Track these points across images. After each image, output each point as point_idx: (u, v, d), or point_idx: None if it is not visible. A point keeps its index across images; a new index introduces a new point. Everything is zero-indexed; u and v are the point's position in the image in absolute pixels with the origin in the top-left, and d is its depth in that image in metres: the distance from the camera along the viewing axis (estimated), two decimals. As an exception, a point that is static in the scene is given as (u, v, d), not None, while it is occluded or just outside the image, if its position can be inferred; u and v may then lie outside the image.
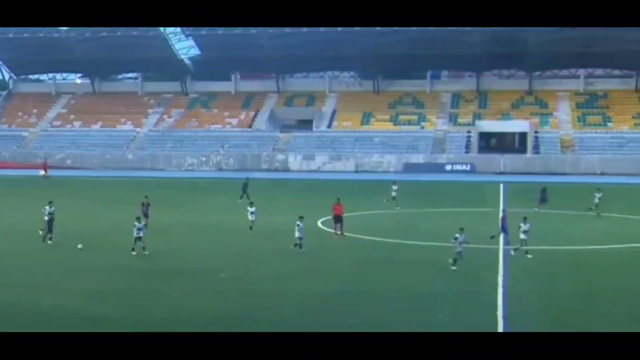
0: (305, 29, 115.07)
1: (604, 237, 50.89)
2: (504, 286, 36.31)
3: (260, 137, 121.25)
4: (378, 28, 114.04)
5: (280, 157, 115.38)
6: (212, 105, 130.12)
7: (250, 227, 51.36)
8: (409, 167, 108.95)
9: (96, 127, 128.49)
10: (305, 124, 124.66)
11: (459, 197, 75.65)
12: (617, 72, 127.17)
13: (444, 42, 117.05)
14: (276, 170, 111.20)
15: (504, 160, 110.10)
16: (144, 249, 43.19)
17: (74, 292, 36.15)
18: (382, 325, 30.11)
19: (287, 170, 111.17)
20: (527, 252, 43.09)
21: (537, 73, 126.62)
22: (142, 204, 53.94)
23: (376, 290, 36.23)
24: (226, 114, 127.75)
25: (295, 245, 44.68)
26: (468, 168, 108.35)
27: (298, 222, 45.00)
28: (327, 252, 45.36)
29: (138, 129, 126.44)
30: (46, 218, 47.10)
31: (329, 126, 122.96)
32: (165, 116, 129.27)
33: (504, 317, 30.73)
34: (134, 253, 43.36)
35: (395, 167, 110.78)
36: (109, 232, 53.22)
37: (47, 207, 47.53)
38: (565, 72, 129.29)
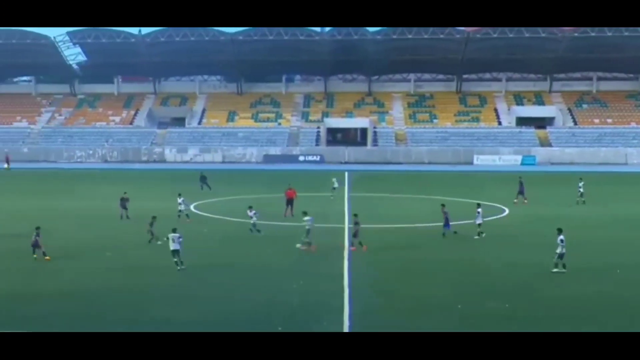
0: (177, 38, 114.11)
1: (429, 216, 51.94)
2: (348, 259, 36.76)
3: (139, 132, 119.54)
4: (241, 37, 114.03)
5: (157, 150, 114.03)
6: (97, 105, 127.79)
7: (187, 215, 49.60)
8: (268, 158, 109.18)
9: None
10: (179, 121, 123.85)
11: (311, 184, 76.05)
12: (441, 76, 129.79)
13: (297, 49, 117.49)
14: (154, 161, 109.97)
15: (348, 152, 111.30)
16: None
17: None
18: (247, 294, 30.17)
19: (163, 161, 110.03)
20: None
21: (375, 77, 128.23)
22: (122, 199, 51.12)
23: (238, 263, 36.23)
24: (110, 112, 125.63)
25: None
26: (318, 158, 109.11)
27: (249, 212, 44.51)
28: (197, 232, 45.06)
29: (32, 126, 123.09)
30: None
31: (200, 123, 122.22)
32: (56, 114, 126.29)
33: (349, 285, 31.16)
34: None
35: (256, 158, 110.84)
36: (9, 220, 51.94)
37: None
38: (398, 76, 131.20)
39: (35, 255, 36.95)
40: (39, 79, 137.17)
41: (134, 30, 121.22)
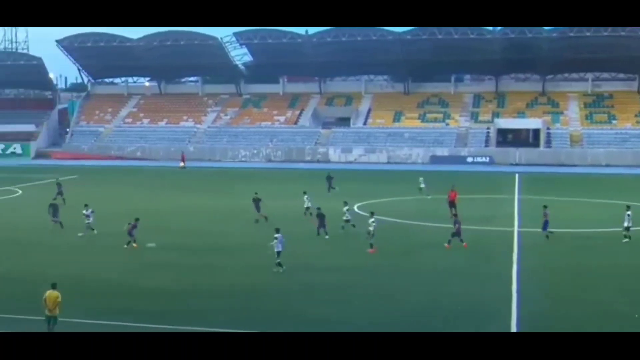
0: (344, 38, 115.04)
1: (602, 221, 50.23)
2: (518, 263, 36.01)
3: (304, 132, 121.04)
4: (409, 36, 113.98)
5: (321, 150, 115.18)
6: (262, 105, 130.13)
7: (310, 213, 50.33)
8: (435, 159, 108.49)
9: (162, 123, 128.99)
10: (344, 121, 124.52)
11: (479, 186, 74.96)
12: (621, 75, 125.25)
13: (467, 48, 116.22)
14: (318, 161, 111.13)
15: (519, 153, 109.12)
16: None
17: (136, 266, 36.25)
18: (408, 296, 29.93)
19: (327, 161, 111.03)
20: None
21: (550, 76, 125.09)
22: (254, 200, 51.84)
23: (401, 264, 36.07)
24: (275, 112, 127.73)
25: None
26: (487, 160, 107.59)
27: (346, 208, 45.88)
28: (359, 232, 45.10)
29: (198, 126, 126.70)
30: (87, 221, 44.69)
31: (365, 123, 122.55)
32: (222, 114, 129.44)
33: (518, 291, 30.53)
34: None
35: (422, 159, 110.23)
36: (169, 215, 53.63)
37: (85, 211, 45.08)
38: (574, 75, 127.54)
39: (135, 245, 39.83)
40: (206, 79, 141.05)
41: (300, 30, 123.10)
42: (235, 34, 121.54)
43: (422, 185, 65.80)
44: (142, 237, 41.59)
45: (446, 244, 40.03)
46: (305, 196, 52.30)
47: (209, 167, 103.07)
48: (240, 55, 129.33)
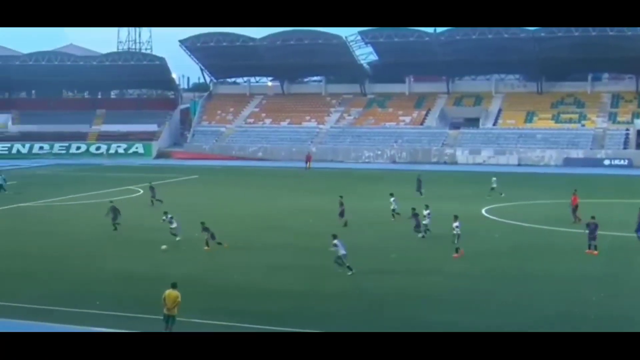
0: (474, 36, 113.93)
1: None
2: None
3: (430, 133, 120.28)
4: (543, 34, 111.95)
5: (448, 151, 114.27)
6: (387, 105, 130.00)
7: (393, 215, 51.40)
8: (569, 162, 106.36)
9: (284, 123, 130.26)
10: (472, 122, 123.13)
11: (617, 189, 73.03)
12: None
13: (606, 46, 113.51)
14: (444, 163, 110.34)
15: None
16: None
17: (256, 267, 36.70)
18: (538, 304, 29.36)
19: (454, 163, 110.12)
20: None
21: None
22: (341, 204, 51.73)
23: (530, 272, 35.50)
24: (400, 112, 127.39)
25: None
26: (625, 163, 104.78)
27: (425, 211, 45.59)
28: (488, 236, 44.55)
29: (321, 126, 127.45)
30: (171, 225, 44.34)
31: (495, 124, 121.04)
32: (345, 114, 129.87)
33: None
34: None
35: (555, 162, 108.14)
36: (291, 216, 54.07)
37: (164, 217, 45.41)
38: None
39: (206, 248, 40.77)
40: (329, 79, 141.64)
41: (428, 28, 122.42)
42: (360, 32, 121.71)
43: (494, 185, 66.40)
44: (260, 237, 41.92)
45: (587, 250, 39.19)
46: (392, 198, 52.64)
47: (331, 167, 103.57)
48: (365, 55, 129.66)
